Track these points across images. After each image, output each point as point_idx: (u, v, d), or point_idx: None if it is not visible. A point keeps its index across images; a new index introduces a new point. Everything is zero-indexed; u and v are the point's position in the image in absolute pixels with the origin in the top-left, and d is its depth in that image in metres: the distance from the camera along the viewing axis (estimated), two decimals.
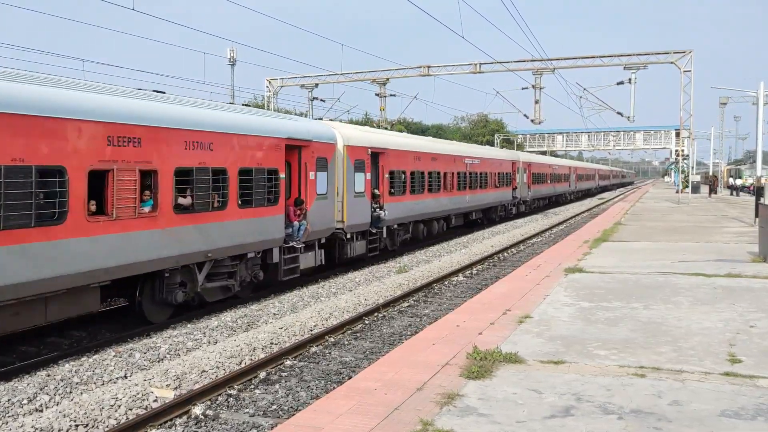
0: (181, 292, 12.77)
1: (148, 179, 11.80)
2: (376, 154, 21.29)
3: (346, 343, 11.61)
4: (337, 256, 19.28)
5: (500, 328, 9.33)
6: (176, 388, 8.94)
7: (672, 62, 42.77)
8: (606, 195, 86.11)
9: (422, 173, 25.29)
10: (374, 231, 21.00)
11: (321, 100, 49.83)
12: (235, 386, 9.08)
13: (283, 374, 9.80)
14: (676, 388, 6.69)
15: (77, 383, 9.26)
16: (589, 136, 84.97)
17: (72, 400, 8.55)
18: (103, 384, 9.31)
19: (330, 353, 10.93)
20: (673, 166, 72.05)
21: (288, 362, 10.30)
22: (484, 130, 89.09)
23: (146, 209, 11.69)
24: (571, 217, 41.13)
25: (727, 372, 7.19)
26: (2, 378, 9.39)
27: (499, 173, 36.85)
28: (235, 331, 12.27)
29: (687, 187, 49.51)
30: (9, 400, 8.50)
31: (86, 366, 9.92)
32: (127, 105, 11.48)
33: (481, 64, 45.15)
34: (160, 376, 9.23)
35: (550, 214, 45.64)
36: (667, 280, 13.22)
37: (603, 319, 9.76)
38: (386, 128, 43.09)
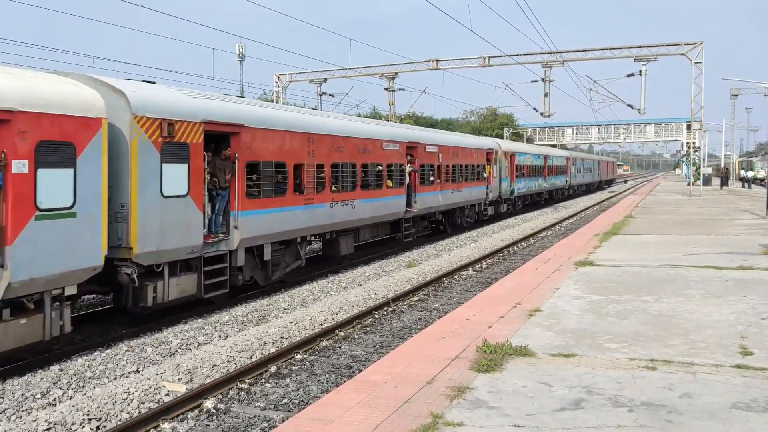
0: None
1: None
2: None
3: (356, 337, 11.64)
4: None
5: (510, 321, 9.32)
6: (188, 382, 9.00)
7: (683, 54, 42.48)
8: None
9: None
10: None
11: (330, 95, 49.91)
12: (246, 380, 9.13)
13: (294, 368, 9.85)
14: (687, 381, 6.66)
15: (90, 378, 9.34)
16: (599, 128, 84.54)
17: (85, 394, 8.63)
18: (115, 378, 9.39)
19: (340, 347, 10.96)
20: (684, 159, 71.59)
21: (298, 356, 10.34)
22: (494, 124, 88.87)
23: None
24: (581, 211, 40.97)
25: (739, 364, 7.16)
26: (16, 373, 9.47)
27: None
28: (245, 325, 12.33)
29: (698, 179, 49.21)
30: (23, 394, 8.59)
31: (99, 361, 10.00)
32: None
33: (490, 57, 45.00)
34: (172, 371, 9.29)
35: (560, 207, 45.45)
36: (678, 273, 13.16)
37: (613, 313, 9.73)
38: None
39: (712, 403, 6.02)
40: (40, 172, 9.36)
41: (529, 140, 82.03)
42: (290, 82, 50.93)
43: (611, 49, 43.67)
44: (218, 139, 13.46)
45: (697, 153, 51.60)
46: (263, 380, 9.30)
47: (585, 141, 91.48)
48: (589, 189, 71.29)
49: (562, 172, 53.38)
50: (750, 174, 67.44)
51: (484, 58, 45.10)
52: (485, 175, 31.24)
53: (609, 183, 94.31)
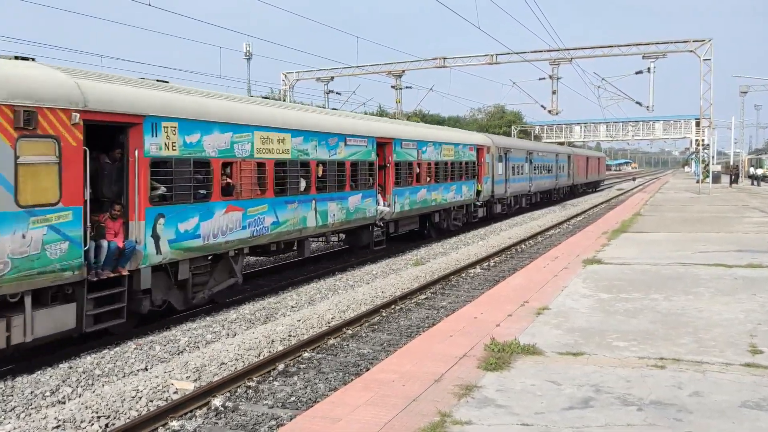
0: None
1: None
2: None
3: (364, 335, 11.64)
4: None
5: (518, 320, 9.30)
6: (196, 380, 9.02)
7: (691, 51, 42.24)
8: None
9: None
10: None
11: (336, 93, 49.95)
12: (254, 378, 9.15)
13: (302, 366, 9.86)
14: (697, 380, 6.63)
15: (99, 375, 9.38)
16: (607, 126, 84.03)
17: (94, 392, 8.67)
18: (124, 376, 9.43)
19: (348, 345, 10.96)
20: (693, 156, 71.20)
21: (306, 354, 10.35)
22: (501, 122, 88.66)
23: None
24: (589, 209, 40.84)
25: (748, 363, 7.12)
26: (25, 371, 9.53)
27: None
28: (253, 323, 12.35)
29: (707, 177, 48.96)
30: (32, 392, 8.64)
31: (107, 358, 10.05)
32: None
33: (497, 55, 44.89)
34: (180, 369, 9.31)
35: (568, 205, 45.29)
36: (687, 271, 13.10)
37: (622, 311, 9.70)
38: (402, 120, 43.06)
39: (721, 402, 5.99)
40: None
41: (537, 138, 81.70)
42: (297, 80, 50.94)
43: (619, 46, 43.48)
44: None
45: (706, 150, 51.35)
46: (271, 378, 9.32)
47: (593, 139, 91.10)
48: (549, 197, 46.33)
49: (459, 174, 26.88)
50: (759, 171, 67.00)
51: (492, 55, 44.99)
52: None
53: (594, 186, 67.34)
